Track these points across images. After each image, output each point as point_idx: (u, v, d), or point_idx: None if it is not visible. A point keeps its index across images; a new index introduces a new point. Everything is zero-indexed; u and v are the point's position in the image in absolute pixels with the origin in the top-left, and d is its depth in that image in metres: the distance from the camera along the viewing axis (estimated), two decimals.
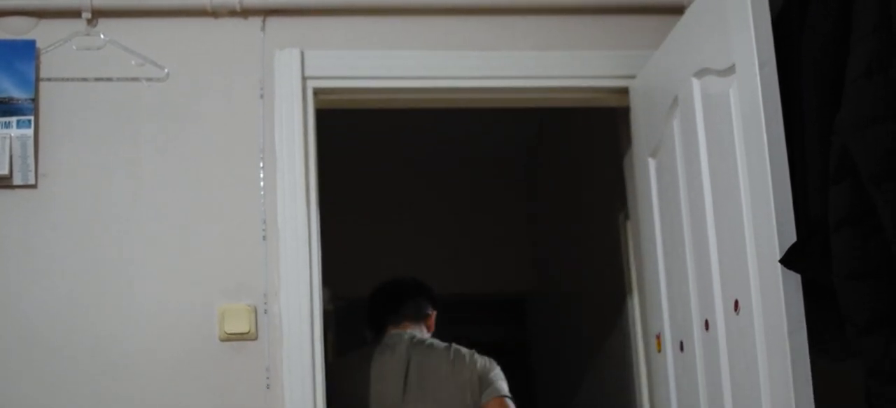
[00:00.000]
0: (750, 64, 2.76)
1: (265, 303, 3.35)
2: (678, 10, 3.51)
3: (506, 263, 6.87)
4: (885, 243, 2.41)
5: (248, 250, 3.37)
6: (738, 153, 2.85)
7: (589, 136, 5.11)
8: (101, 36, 3.47)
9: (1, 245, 3.33)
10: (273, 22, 3.55)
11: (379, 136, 6.28)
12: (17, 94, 3.39)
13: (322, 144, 3.55)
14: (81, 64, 3.45)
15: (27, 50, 3.42)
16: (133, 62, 3.46)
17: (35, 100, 3.40)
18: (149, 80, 3.47)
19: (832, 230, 2.52)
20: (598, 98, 3.74)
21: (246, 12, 3.54)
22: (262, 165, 3.43)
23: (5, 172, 3.33)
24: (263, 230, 3.39)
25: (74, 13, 3.47)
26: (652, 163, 3.51)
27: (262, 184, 3.42)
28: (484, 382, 3.98)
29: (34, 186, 3.36)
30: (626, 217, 4.02)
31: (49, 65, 3.44)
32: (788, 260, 2.62)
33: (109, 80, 3.45)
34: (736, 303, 2.89)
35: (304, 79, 3.50)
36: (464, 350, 4.06)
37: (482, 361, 4.05)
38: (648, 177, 3.53)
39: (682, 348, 3.29)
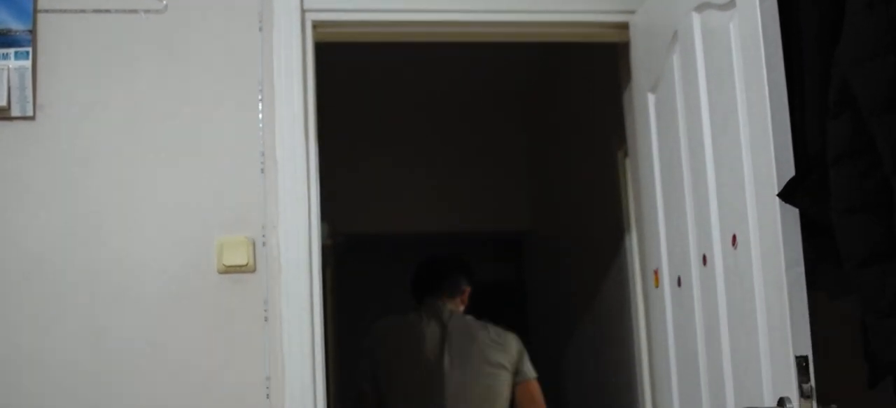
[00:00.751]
0: None
1: (263, 236, 3.36)
2: None
3: (503, 201, 6.87)
4: (883, 177, 2.41)
5: (246, 183, 3.37)
6: (737, 88, 2.84)
7: (588, 72, 5.10)
8: None
9: None
10: None
11: (377, 71, 6.27)
12: (15, 25, 3.37)
13: (321, 77, 3.54)
14: None
15: None
16: None
17: (33, 31, 3.38)
18: (147, 11, 3.45)
19: (831, 164, 2.52)
20: (597, 33, 3.73)
21: None
22: (260, 98, 3.42)
23: (3, 103, 3.32)
24: (262, 163, 3.38)
25: None
26: (651, 98, 3.51)
27: (260, 117, 3.41)
28: (519, 365, 4.45)
29: (32, 118, 3.36)
30: (625, 154, 4.02)
31: None
32: (787, 194, 2.62)
33: (107, 11, 3.44)
34: (734, 238, 2.90)
35: (303, 11, 3.49)
36: (500, 330, 4.54)
37: (518, 344, 4.52)
38: (648, 112, 3.52)
39: (679, 284, 3.30)
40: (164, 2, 3.46)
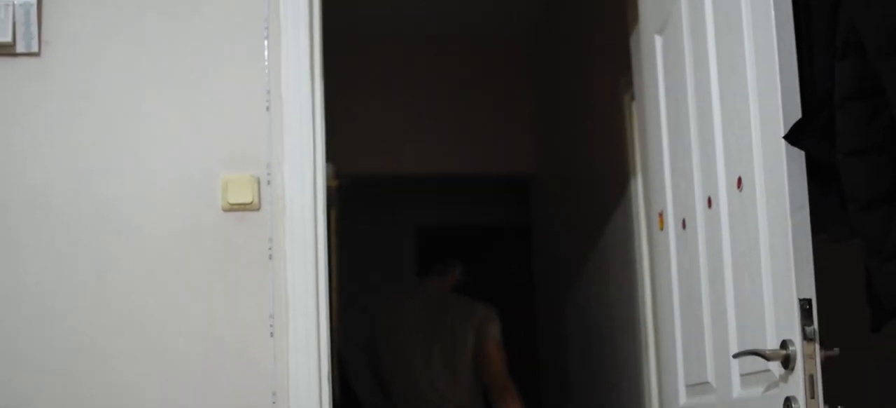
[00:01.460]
0: None
1: (268, 174, 3.35)
2: None
3: (509, 143, 6.87)
4: (890, 120, 2.40)
5: (251, 121, 3.37)
6: (744, 29, 2.82)
7: (596, 13, 5.07)
8: None
9: (4, 113, 3.33)
10: None
11: (383, 11, 6.25)
12: None
13: (327, 17, 3.52)
14: None
15: None
16: None
17: None
18: None
19: (837, 106, 2.50)
20: None
21: None
22: (266, 35, 3.41)
23: (8, 39, 3.32)
24: (267, 101, 3.38)
25: None
26: (658, 40, 3.49)
27: (266, 54, 3.40)
28: (481, 326, 5.02)
29: (37, 54, 3.35)
30: (632, 98, 4.01)
31: None
32: (793, 136, 2.61)
33: None
34: (739, 180, 2.89)
35: None
36: (474, 301, 5.11)
37: (485, 311, 5.06)
38: (654, 54, 3.51)
39: (683, 226, 3.30)
40: None
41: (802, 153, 2.64)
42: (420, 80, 6.84)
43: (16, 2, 3.34)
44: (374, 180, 6.90)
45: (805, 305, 2.60)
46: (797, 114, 2.64)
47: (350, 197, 5.42)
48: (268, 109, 3.38)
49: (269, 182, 3.35)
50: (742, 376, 2.93)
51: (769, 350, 2.67)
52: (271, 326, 3.30)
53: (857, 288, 2.86)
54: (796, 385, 2.60)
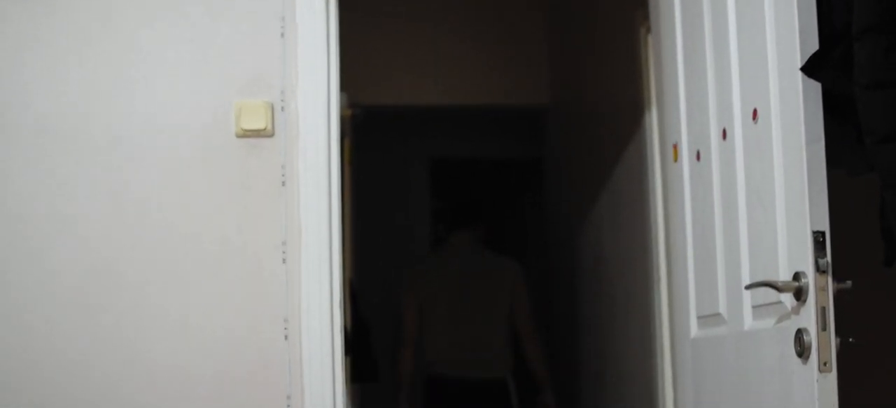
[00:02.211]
0: None
1: (282, 100, 3.35)
2: None
3: (523, 75, 6.84)
4: None
5: (266, 47, 3.36)
6: None
7: None
8: None
9: (14, 38, 3.32)
10: None
11: None
12: None
13: None
14: None
15: None
16: None
17: None
18: None
19: (855, 38, 2.49)
20: None
21: None
22: None
23: None
24: (282, 27, 3.37)
25: None
26: None
27: None
28: (515, 282, 5.69)
29: None
30: (648, 30, 3.98)
31: None
32: (810, 69, 2.60)
33: None
34: (754, 112, 2.88)
35: None
36: (501, 257, 5.83)
37: (516, 266, 5.75)
38: None
39: (698, 158, 3.29)
40: None
41: (819, 86, 2.63)
42: (434, 11, 6.80)
43: None
44: (387, 112, 6.88)
45: (818, 237, 2.60)
46: (814, 46, 2.62)
47: (363, 128, 5.41)
48: (282, 35, 3.36)
49: (282, 108, 3.35)
50: (754, 307, 2.93)
51: (781, 282, 2.68)
52: (284, 253, 3.31)
53: (871, 223, 2.85)
54: (808, 317, 2.60)
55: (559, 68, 6.57)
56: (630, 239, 4.58)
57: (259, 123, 3.32)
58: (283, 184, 3.33)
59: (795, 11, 2.63)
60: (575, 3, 6.06)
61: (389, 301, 7.33)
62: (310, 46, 3.36)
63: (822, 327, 2.58)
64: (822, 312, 2.58)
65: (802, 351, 2.60)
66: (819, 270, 2.59)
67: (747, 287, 2.88)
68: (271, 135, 3.34)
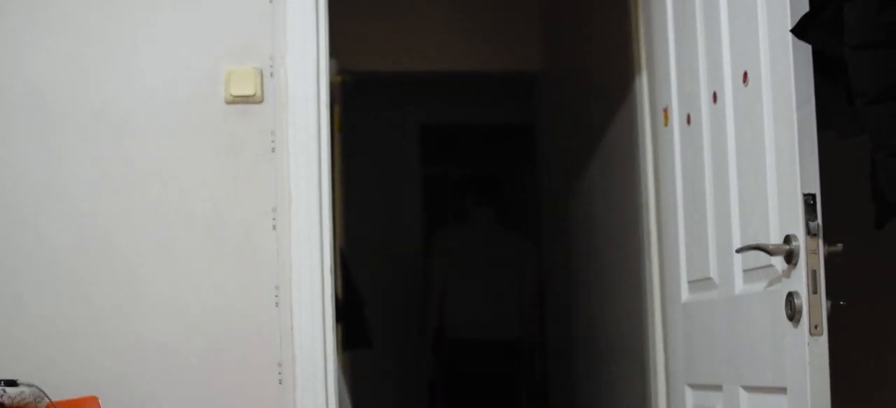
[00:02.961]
0: None
1: (271, 66, 3.33)
2: None
3: (513, 41, 6.82)
4: None
5: (254, 12, 3.34)
6: None
7: None
8: None
9: (3, 8, 3.30)
10: None
11: None
12: None
13: None
14: None
15: None
16: None
17: None
18: None
19: None
20: None
21: None
22: None
23: None
24: None
25: None
26: None
27: None
28: (528, 261, 6.36)
29: None
30: None
31: None
32: (800, 30, 2.59)
33: None
34: (745, 74, 2.87)
35: None
36: (515, 236, 6.58)
37: (528, 245, 6.49)
38: None
39: (688, 121, 3.28)
40: None
41: (809, 47, 2.62)
42: None
43: None
44: (377, 78, 6.86)
45: (809, 199, 2.59)
46: (804, 7, 2.61)
47: (353, 95, 5.39)
48: (271, 0, 3.35)
49: (271, 74, 3.33)
50: (744, 271, 2.93)
51: (772, 245, 2.68)
52: (274, 218, 3.30)
53: (862, 186, 2.85)
54: (799, 280, 2.60)
55: (550, 33, 6.55)
56: (621, 204, 4.57)
57: (248, 89, 3.30)
58: (273, 150, 3.31)
59: None
60: None
61: (379, 268, 7.35)
62: (299, 12, 3.34)
63: (813, 290, 2.58)
64: (812, 275, 2.58)
65: (793, 314, 2.60)
66: (810, 233, 2.59)
67: (738, 251, 2.88)
68: (261, 101, 3.33)
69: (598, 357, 5.21)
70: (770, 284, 2.77)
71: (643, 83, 3.97)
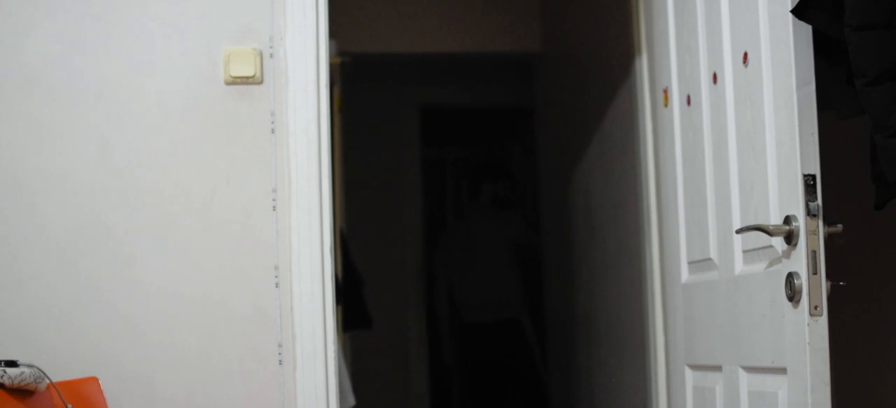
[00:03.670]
0: None
1: (271, 47, 3.33)
2: None
3: (513, 22, 6.81)
4: None
5: None
6: None
7: None
8: None
9: None
10: None
11: None
12: None
13: None
14: None
15: None
16: None
17: None
18: None
19: None
20: None
21: None
22: None
23: None
24: None
25: None
26: None
27: None
28: (526, 240, 6.70)
29: None
30: None
31: None
32: (800, 11, 2.59)
33: None
34: (745, 55, 2.87)
35: None
36: (512, 216, 6.77)
37: (525, 225, 6.79)
38: None
39: (688, 102, 3.28)
40: None
41: (809, 28, 2.62)
42: None
43: None
44: (376, 59, 6.85)
45: (809, 180, 2.60)
46: None
47: (353, 76, 5.39)
48: None
49: (271, 55, 3.33)
50: (744, 252, 2.94)
51: (772, 226, 2.68)
52: (274, 200, 3.30)
53: (862, 168, 2.85)
54: (799, 261, 2.60)
55: (550, 15, 6.54)
56: (621, 185, 4.57)
57: (248, 70, 3.30)
58: (273, 131, 3.31)
59: None
60: None
61: (379, 249, 7.35)
62: None
63: (813, 270, 2.58)
64: (812, 255, 2.58)
65: (793, 295, 2.60)
66: (810, 213, 2.59)
67: (738, 231, 2.88)
68: (260, 82, 3.32)
69: (597, 337, 5.22)
70: (770, 264, 2.77)
71: (643, 64, 3.97)
